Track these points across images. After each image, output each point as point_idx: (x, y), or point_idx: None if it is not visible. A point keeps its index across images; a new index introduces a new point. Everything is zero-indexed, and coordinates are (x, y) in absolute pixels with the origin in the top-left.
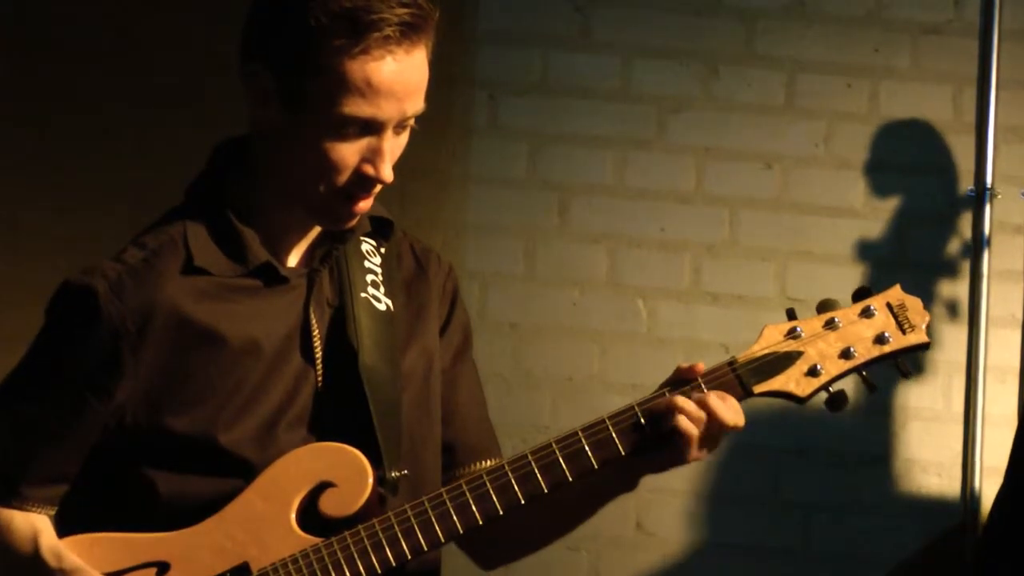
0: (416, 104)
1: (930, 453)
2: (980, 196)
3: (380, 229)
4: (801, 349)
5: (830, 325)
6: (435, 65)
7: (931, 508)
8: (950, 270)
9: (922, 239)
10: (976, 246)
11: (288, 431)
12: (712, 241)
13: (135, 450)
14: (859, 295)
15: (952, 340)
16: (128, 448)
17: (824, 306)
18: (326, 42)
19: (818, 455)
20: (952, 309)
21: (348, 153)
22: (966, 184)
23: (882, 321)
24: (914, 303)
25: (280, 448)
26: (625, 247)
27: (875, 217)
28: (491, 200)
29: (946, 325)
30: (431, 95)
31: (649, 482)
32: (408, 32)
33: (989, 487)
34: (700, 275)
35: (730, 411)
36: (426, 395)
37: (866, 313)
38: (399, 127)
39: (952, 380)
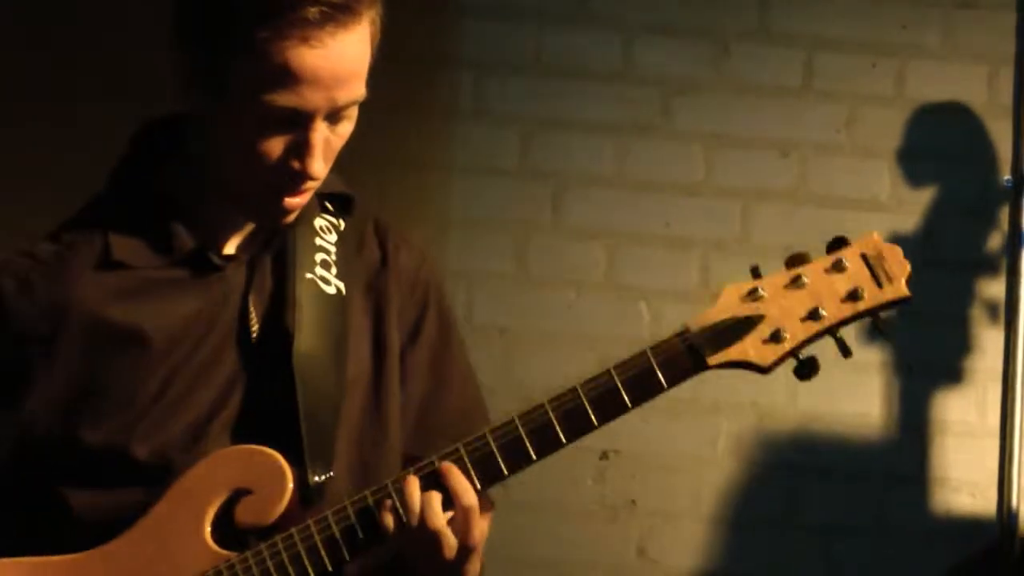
0: (351, 92)
1: (963, 471)
2: (1018, 186)
3: (339, 205)
4: (762, 312)
5: (796, 283)
6: (414, 42)
7: (964, 531)
8: (986, 268)
9: (954, 234)
10: (1014, 241)
11: (218, 436)
12: (722, 237)
13: (47, 464)
14: (832, 246)
15: (988, 345)
16: (40, 462)
17: (792, 261)
18: (242, 24)
19: (840, 474)
20: (989, 311)
21: (272, 145)
22: (1003, 173)
23: (854, 274)
24: (893, 251)
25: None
26: (626, 244)
27: (903, 210)
28: (478, 192)
29: (981, 329)
30: (410, 75)
31: (652, 504)
32: (333, 14)
33: None
34: (708, 275)
35: (441, 509)
36: (378, 398)
37: (837, 266)
38: (334, 117)
39: (987, 390)
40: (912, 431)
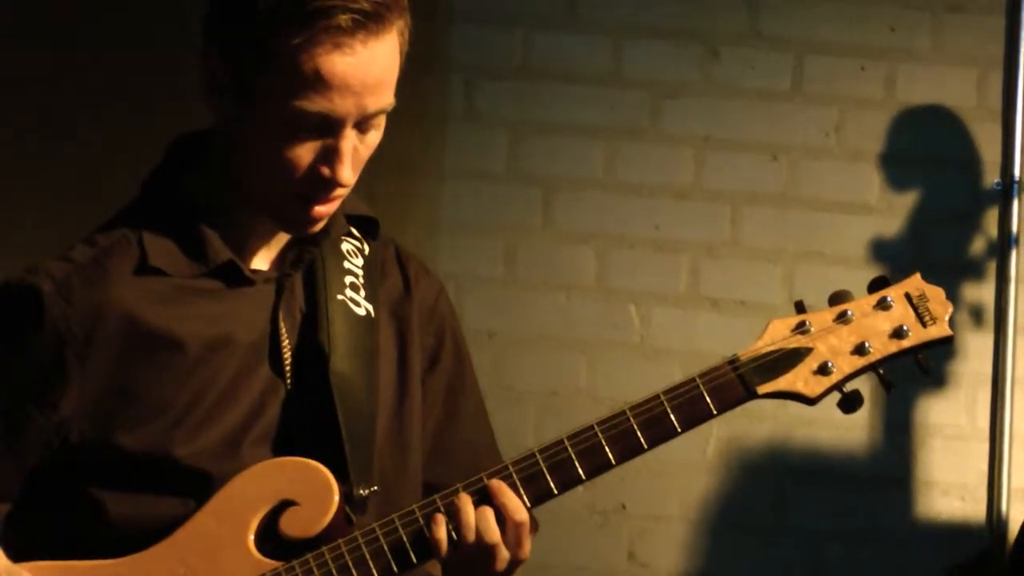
0: (380, 100)
1: (953, 474)
2: (1007, 190)
3: (363, 228)
4: (810, 345)
5: (842, 318)
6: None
7: (954, 534)
8: (974, 272)
9: (944, 238)
10: (1003, 245)
11: (253, 447)
12: (712, 241)
13: (82, 468)
14: (875, 285)
15: (977, 349)
16: (75, 466)
17: (836, 298)
18: (274, 30)
19: (829, 477)
20: (977, 315)
21: (302, 151)
22: (992, 177)
23: (900, 313)
24: (935, 293)
25: (244, 466)
26: (616, 247)
27: (892, 214)
28: (467, 196)
29: (970, 333)
30: (400, 80)
31: (642, 508)
32: (364, 22)
33: (1017, 510)
34: (699, 278)
35: (493, 522)
36: (400, 422)
37: (882, 305)
38: (363, 125)
39: (977, 393)
40: (901, 435)
